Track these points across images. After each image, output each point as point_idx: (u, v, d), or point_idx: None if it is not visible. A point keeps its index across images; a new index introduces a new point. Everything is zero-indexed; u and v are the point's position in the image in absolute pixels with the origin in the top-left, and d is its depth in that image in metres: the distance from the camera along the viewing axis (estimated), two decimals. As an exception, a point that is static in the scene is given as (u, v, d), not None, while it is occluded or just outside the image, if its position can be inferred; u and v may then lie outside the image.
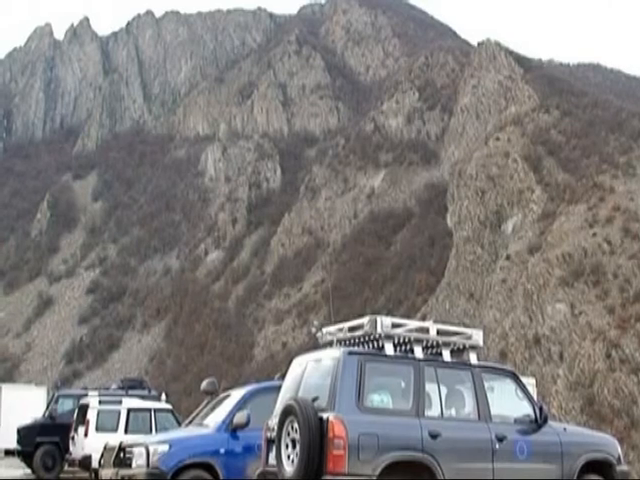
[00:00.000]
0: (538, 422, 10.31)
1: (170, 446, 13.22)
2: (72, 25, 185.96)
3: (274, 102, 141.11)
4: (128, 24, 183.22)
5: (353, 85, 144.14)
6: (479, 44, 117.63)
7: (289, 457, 9.34)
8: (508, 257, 76.64)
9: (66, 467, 25.99)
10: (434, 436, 9.46)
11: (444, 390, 10.13)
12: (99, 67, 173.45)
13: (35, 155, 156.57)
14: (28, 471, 27.32)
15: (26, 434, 27.10)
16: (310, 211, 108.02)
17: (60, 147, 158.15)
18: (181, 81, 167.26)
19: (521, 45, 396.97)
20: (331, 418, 9.07)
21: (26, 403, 34.02)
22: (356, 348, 10.10)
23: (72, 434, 24.00)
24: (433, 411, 9.83)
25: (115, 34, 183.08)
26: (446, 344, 10.40)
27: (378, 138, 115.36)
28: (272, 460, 9.87)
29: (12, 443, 28.83)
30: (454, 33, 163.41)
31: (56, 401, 28.28)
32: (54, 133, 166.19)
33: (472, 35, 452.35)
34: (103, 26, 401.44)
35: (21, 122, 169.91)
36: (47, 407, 29.40)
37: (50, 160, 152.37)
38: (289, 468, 9.28)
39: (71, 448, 24.11)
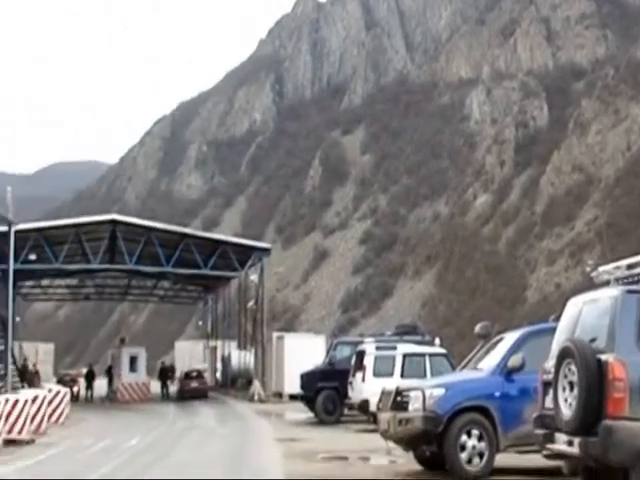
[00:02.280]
0: None
1: (446, 390, 13.32)
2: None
3: (537, 38, 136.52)
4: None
5: (621, 10, 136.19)
6: None
7: (566, 400, 9.04)
8: None
9: (345, 411, 27.05)
10: None
11: None
12: (361, 23, 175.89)
13: (305, 115, 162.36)
14: (311, 414, 28.63)
15: (308, 380, 28.41)
16: (580, 147, 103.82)
17: (328, 105, 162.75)
18: (442, 27, 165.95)
19: None
20: (611, 360, 8.67)
21: (307, 351, 35.66)
22: (635, 286, 9.60)
23: (350, 379, 24.87)
24: None
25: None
26: None
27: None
28: (549, 403, 9.62)
29: (296, 388, 30.39)
30: None
31: (334, 348, 29.37)
32: (322, 92, 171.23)
33: None
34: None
35: (291, 85, 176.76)
36: (326, 354, 30.62)
37: (319, 119, 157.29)
38: (567, 411, 8.99)
39: (349, 393, 25.02)
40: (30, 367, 45.90)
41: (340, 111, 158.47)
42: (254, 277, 50.49)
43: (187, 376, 48.90)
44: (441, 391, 13.25)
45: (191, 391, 46.56)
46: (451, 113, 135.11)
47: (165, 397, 49.42)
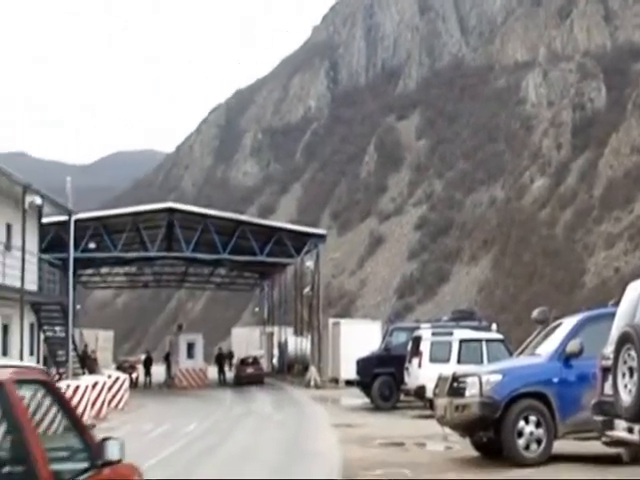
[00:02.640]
0: None
1: (503, 376, 13.21)
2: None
3: (595, 18, 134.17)
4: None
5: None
6: None
7: (626, 386, 8.88)
8: None
9: (402, 397, 26.99)
10: None
11: None
12: (415, 8, 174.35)
13: (360, 101, 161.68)
14: (367, 400, 28.61)
15: (364, 366, 28.40)
16: (639, 128, 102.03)
17: (383, 90, 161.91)
18: (497, 9, 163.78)
19: None
20: (671, 345, 8.49)
21: (363, 337, 35.63)
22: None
23: (406, 365, 24.79)
24: None
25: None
26: None
27: None
28: (608, 390, 9.46)
29: (352, 374, 30.41)
30: None
31: (391, 334, 29.33)
32: (376, 78, 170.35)
33: None
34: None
35: (346, 71, 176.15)
36: (382, 340, 30.60)
37: (374, 104, 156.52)
38: (627, 398, 8.83)
39: (406, 379, 24.94)
40: (89, 353, 46.60)
41: (395, 96, 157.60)
42: (310, 263, 50.60)
43: (243, 362, 49.30)
44: (498, 377, 13.14)
45: (247, 377, 46.93)
46: (507, 96, 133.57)
47: (222, 383, 49.89)
